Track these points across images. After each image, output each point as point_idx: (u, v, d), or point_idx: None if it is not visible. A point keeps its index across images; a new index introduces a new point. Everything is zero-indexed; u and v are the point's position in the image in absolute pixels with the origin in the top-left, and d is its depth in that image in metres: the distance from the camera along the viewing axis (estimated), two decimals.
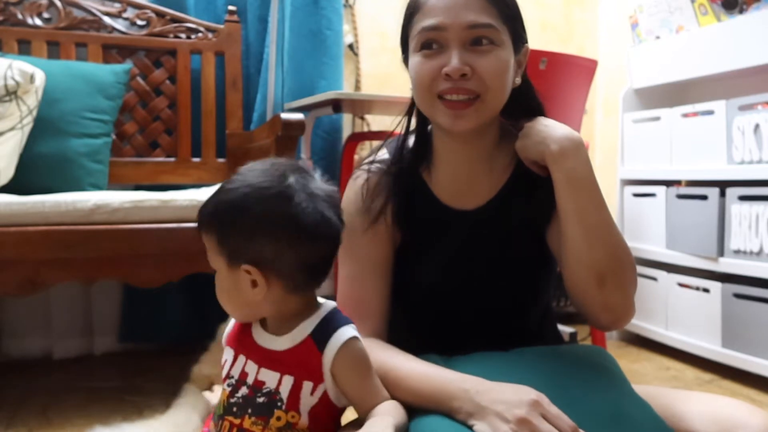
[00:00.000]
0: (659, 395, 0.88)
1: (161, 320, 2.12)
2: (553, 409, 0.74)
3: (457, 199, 0.97)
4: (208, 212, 0.83)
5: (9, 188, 1.58)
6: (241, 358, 0.85)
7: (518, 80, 0.93)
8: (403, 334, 0.96)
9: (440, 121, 0.90)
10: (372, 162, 0.99)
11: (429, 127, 0.99)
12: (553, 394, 0.77)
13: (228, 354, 0.88)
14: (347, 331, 0.82)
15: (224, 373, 0.87)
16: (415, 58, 0.90)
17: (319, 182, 0.84)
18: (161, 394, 1.62)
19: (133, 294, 2.11)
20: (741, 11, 1.91)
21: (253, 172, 0.82)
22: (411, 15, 0.92)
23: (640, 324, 2.22)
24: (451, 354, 0.92)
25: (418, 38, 0.89)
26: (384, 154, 1.00)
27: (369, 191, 0.96)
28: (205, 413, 1.42)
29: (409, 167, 0.98)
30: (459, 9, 0.87)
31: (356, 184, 0.98)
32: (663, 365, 2.02)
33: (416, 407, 0.82)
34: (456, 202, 0.97)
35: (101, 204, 1.49)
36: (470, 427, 0.76)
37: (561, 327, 2.18)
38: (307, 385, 0.80)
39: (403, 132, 1.01)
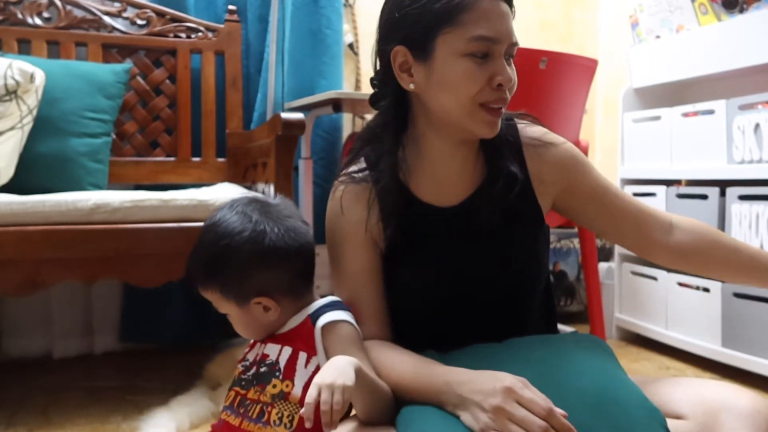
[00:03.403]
0: (647, 381, 0.89)
1: (161, 320, 2.12)
2: (527, 393, 0.74)
3: (439, 197, 0.96)
4: (200, 272, 0.92)
5: (9, 188, 1.58)
6: (257, 346, 0.95)
7: None
8: (400, 332, 0.97)
9: (474, 128, 0.90)
10: (348, 173, 0.98)
11: (406, 133, 0.97)
12: (541, 381, 0.78)
13: (249, 346, 0.98)
14: (340, 314, 0.91)
15: (241, 356, 0.97)
16: (462, 63, 0.86)
17: (275, 203, 0.95)
18: (161, 394, 1.62)
19: (134, 293, 2.11)
20: (741, 11, 1.91)
21: (222, 223, 0.91)
22: (451, 11, 0.84)
23: (640, 323, 2.22)
24: (448, 349, 0.93)
25: (471, 44, 0.85)
26: (361, 163, 0.99)
27: (348, 202, 0.96)
28: (197, 417, 1.45)
29: (388, 172, 0.95)
30: (507, 20, 0.88)
31: (335, 196, 0.98)
32: (663, 365, 2.02)
33: (408, 401, 0.84)
34: (438, 201, 0.96)
35: (101, 203, 1.49)
36: (458, 417, 0.79)
37: (561, 327, 2.18)
38: (302, 356, 0.89)
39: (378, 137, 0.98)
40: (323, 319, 0.90)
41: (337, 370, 0.76)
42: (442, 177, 0.96)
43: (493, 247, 0.95)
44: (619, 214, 1.01)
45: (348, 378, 0.75)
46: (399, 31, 0.89)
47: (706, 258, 1.01)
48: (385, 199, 0.94)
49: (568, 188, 0.99)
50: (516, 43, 0.89)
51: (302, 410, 0.74)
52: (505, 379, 0.76)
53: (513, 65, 0.90)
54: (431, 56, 0.87)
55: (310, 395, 0.73)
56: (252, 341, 0.97)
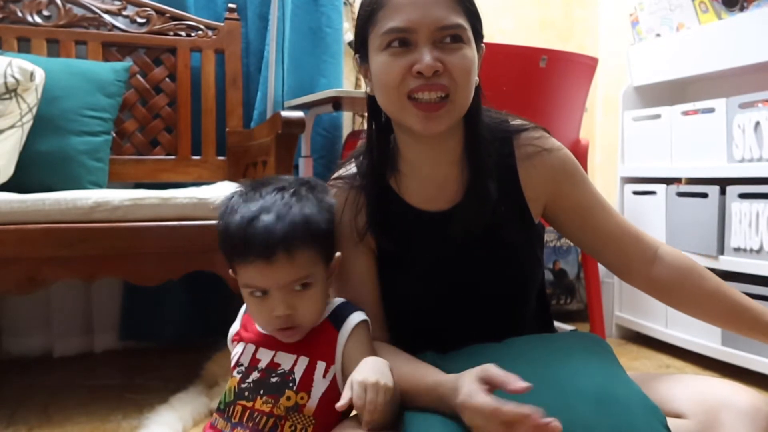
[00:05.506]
0: (647, 379, 0.89)
1: (161, 318, 2.12)
2: (498, 373, 0.75)
3: (428, 202, 0.95)
4: (300, 232, 0.85)
5: (9, 186, 1.58)
6: (250, 347, 0.91)
7: (477, 79, 0.91)
8: (399, 334, 0.97)
9: (410, 124, 0.88)
10: (339, 177, 0.99)
11: (392, 135, 0.97)
12: (541, 381, 0.77)
13: (238, 347, 0.93)
14: (360, 315, 0.90)
15: (233, 363, 0.91)
16: (380, 58, 0.87)
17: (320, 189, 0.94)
18: (162, 392, 1.63)
19: (134, 292, 2.11)
20: (741, 9, 1.91)
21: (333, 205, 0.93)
22: (372, 12, 0.88)
23: (640, 322, 2.22)
24: (447, 349, 0.93)
25: (384, 38, 0.86)
26: (352, 167, 0.99)
27: (339, 207, 0.96)
28: (197, 414, 1.46)
29: (376, 176, 0.95)
30: (428, 7, 0.84)
31: None
32: (663, 363, 2.02)
33: (411, 406, 0.84)
34: (427, 205, 0.95)
35: (101, 202, 1.49)
36: (458, 422, 0.78)
37: (561, 325, 2.19)
38: (321, 366, 0.86)
39: (365, 142, 0.98)
40: (348, 325, 0.88)
41: (377, 371, 0.75)
42: (429, 181, 0.95)
43: (484, 250, 0.94)
44: (603, 233, 0.98)
45: (389, 379, 0.75)
46: (355, 40, 0.95)
47: (684, 299, 0.98)
48: (371, 204, 0.95)
49: (556, 196, 0.97)
50: (449, 26, 0.85)
51: (338, 404, 0.75)
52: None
53: (464, 50, 0.86)
54: (368, 59, 0.91)
55: (357, 395, 0.72)
56: (233, 341, 0.95)
